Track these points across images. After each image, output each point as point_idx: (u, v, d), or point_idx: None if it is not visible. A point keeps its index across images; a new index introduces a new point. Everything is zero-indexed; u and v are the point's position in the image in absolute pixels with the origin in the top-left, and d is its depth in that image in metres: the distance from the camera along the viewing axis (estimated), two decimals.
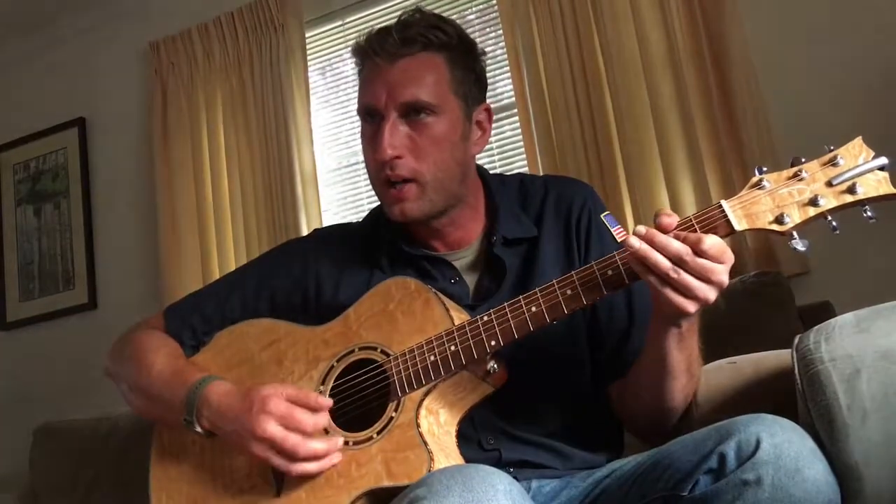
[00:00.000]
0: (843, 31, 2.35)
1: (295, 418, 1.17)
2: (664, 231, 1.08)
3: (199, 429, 1.25)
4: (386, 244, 1.40)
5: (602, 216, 1.39)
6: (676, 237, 1.06)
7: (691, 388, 1.28)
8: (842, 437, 1.07)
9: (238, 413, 1.20)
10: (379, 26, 1.36)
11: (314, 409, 1.20)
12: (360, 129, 1.39)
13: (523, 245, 1.37)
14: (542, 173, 2.59)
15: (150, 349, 1.39)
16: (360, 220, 1.54)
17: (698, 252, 1.05)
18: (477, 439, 1.27)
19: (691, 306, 1.07)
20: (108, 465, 2.27)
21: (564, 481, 1.25)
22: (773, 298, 1.91)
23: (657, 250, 1.06)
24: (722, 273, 1.06)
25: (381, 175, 1.31)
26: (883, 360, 1.10)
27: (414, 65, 1.30)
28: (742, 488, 0.96)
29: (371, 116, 1.33)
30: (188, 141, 3.18)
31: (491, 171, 1.49)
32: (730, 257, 1.06)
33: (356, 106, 1.39)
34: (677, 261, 1.05)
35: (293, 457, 1.16)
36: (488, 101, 1.43)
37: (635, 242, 1.07)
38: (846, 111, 2.29)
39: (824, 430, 1.09)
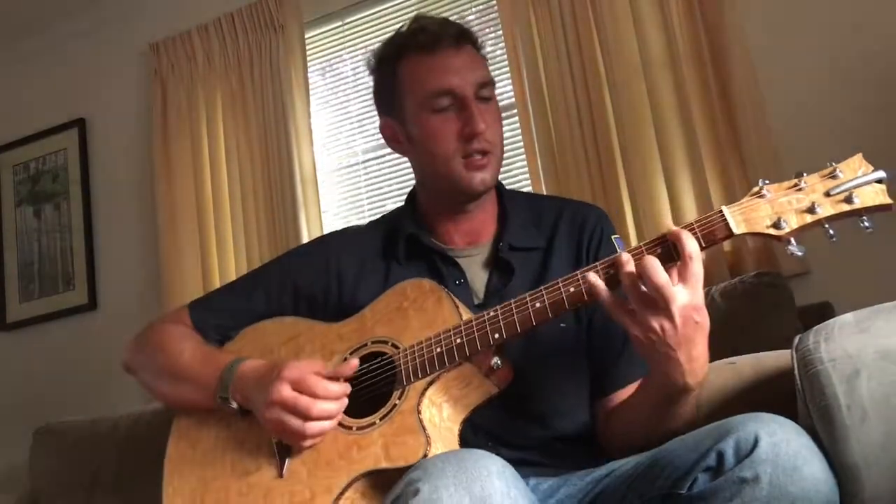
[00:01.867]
0: (842, 32, 2.35)
1: (307, 382, 1.23)
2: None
3: (233, 404, 1.31)
4: (404, 235, 1.46)
5: (612, 238, 1.45)
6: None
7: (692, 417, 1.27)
8: (841, 437, 1.07)
9: (263, 383, 1.26)
10: (417, 28, 1.43)
11: (335, 376, 1.27)
12: (409, 119, 1.43)
13: (534, 254, 1.43)
14: (541, 174, 2.60)
15: (176, 338, 1.46)
16: (380, 217, 1.61)
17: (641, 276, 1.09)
18: (477, 445, 1.27)
19: (637, 329, 1.11)
20: (107, 465, 2.27)
21: (562, 479, 1.26)
22: (772, 299, 1.91)
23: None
24: (659, 309, 1.08)
25: (469, 147, 1.38)
26: (883, 361, 1.10)
27: (472, 52, 1.43)
28: (740, 486, 0.97)
29: (444, 100, 1.39)
30: (188, 142, 3.18)
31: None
32: (659, 283, 1.08)
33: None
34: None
35: (306, 416, 1.21)
36: None
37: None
38: (845, 112, 2.30)
39: (824, 430, 1.09)
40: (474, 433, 1.29)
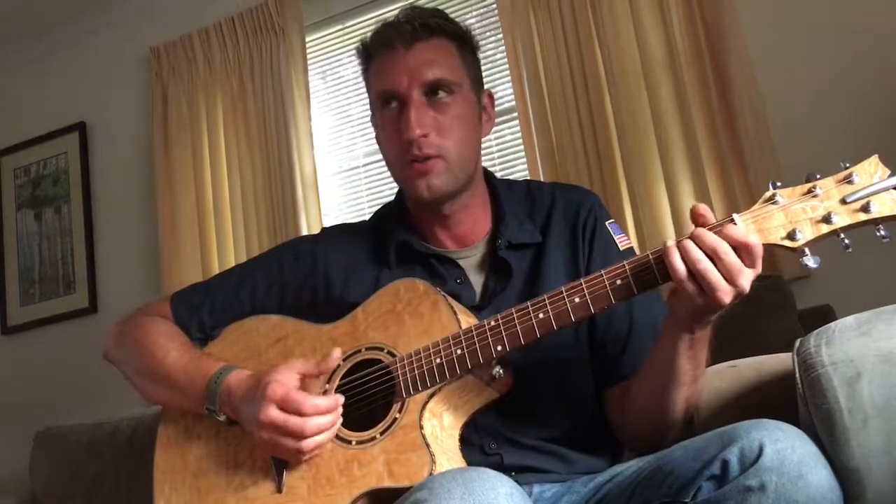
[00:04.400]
0: (843, 36, 2.36)
1: (292, 400, 1.18)
2: (700, 222, 1.08)
3: (222, 417, 1.27)
4: (394, 242, 1.41)
5: (607, 223, 1.41)
6: (718, 233, 1.05)
7: (694, 400, 1.28)
8: (843, 441, 1.07)
9: (250, 398, 1.22)
10: (384, 22, 1.40)
11: (320, 373, 1.24)
12: (375, 119, 1.42)
13: (530, 249, 1.38)
14: (542, 176, 2.60)
15: (161, 335, 1.41)
16: (369, 218, 1.54)
17: (737, 247, 1.04)
18: (479, 444, 1.27)
19: (700, 300, 1.06)
20: (108, 468, 2.27)
21: (566, 486, 1.25)
22: (773, 302, 1.91)
23: (693, 240, 1.06)
24: (746, 277, 1.05)
25: (408, 155, 1.32)
26: (884, 364, 1.10)
27: (431, 48, 1.35)
28: (745, 494, 0.96)
29: (391, 102, 1.35)
30: (189, 145, 3.18)
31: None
32: (759, 265, 1.05)
33: (368, 100, 1.42)
34: (711, 254, 1.04)
35: (300, 436, 1.18)
36: None
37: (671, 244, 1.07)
38: (845, 115, 2.30)
39: (825, 433, 1.09)
40: (477, 434, 1.27)
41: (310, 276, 1.44)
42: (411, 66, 1.33)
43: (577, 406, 1.35)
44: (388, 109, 1.36)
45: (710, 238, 1.05)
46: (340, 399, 1.21)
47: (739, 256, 1.04)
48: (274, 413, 1.18)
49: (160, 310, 1.47)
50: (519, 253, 1.38)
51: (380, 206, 1.53)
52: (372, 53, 1.39)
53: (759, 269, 1.05)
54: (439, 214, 1.39)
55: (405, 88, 1.32)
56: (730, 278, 1.04)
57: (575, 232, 1.39)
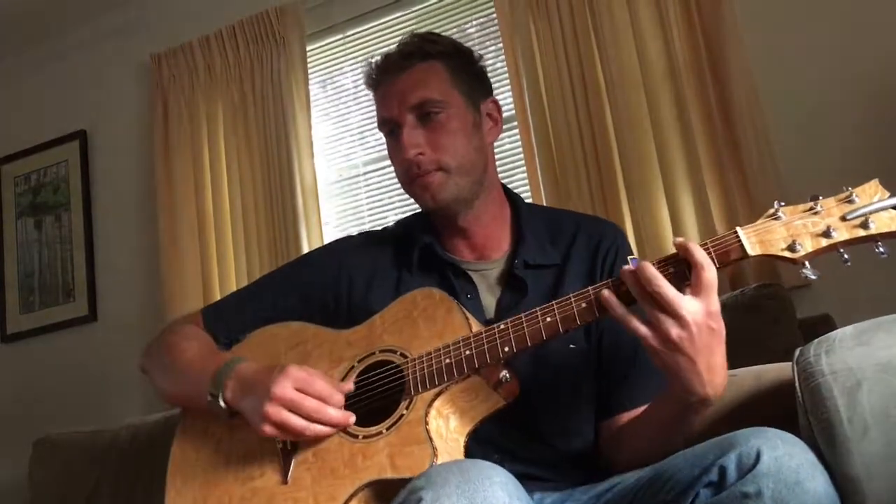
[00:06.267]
0: (845, 48, 2.36)
1: (314, 384, 1.22)
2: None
3: (222, 403, 1.29)
4: (419, 245, 1.47)
5: (628, 258, 1.44)
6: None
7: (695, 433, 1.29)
8: (843, 450, 1.08)
9: (261, 379, 1.25)
10: (382, 54, 1.51)
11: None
12: (385, 146, 1.52)
13: (549, 270, 1.43)
14: (542, 187, 2.60)
15: (184, 336, 1.48)
16: (394, 224, 1.61)
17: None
18: (482, 456, 1.27)
19: (653, 340, 1.10)
20: (107, 476, 2.27)
21: (566, 494, 1.27)
22: (773, 311, 1.91)
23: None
24: (672, 325, 1.08)
25: (410, 174, 1.42)
26: (883, 373, 1.10)
27: (415, 73, 1.44)
28: (742, 501, 0.97)
29: (390, 128, 1.46)
30: (189, 153, 3.18)
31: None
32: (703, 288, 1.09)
33: (375, 125, 1.52)
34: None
35: (310, 418, 1.21)
36: None
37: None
38: (848, 127, 2.30)
39: (825, 442, 1.10)
40: (481, 446, 1.28)
41: (333, 282, 1.50)
42: (400, 92, 1.43)
43: (582, 425, 1.38)
44: (389, 135, 1.47)
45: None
46: (352, 418, 1.24)
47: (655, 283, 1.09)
48: (291, 391, 1.21)
49: (191, 319, 1.55)
50: (537, 273, 1.43)
51: (410, 215, 1.61)
52: (374, 86, 1.51)
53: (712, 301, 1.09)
54: (455, 226, 1.46)
55: (396, 114, 1.43)
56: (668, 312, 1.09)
57: (595, 261, 1.45)
